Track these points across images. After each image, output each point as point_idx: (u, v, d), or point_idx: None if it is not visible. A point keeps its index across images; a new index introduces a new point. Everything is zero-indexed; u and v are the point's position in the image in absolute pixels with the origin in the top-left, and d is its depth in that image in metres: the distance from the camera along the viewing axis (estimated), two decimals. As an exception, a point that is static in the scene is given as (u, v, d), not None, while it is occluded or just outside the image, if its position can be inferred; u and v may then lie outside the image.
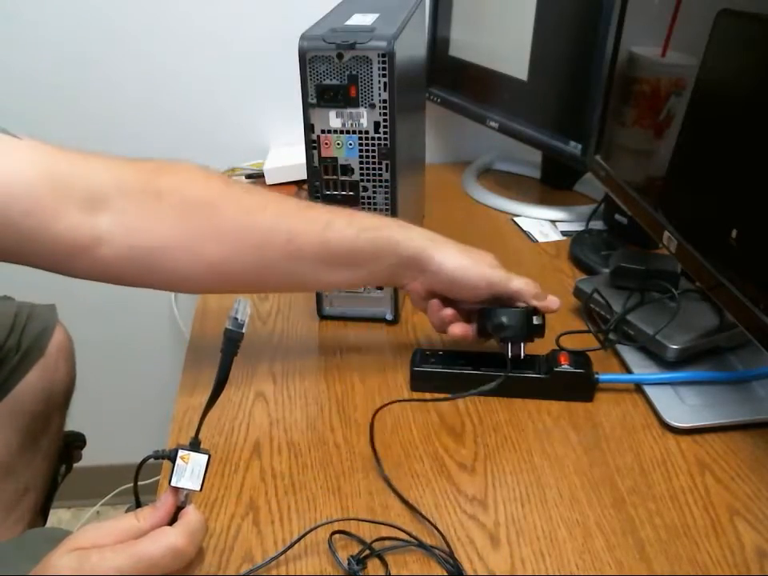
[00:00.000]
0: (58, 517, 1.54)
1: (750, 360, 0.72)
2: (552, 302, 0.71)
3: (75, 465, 1.06)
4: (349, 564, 0.53)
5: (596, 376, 0.70)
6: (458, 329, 0.71)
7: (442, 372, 0.71)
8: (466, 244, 0.72)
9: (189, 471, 0.47)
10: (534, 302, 0.70)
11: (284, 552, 0.54)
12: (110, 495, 1.51)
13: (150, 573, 0.43)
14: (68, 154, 0.62)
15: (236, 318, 0.48)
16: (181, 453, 0.48)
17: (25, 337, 0.89)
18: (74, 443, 1.05)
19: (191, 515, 0.47)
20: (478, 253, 0.71)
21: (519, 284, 0.70)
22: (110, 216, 0.61)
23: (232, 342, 0.48)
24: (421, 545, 0.55)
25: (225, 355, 0.48)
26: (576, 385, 0.70)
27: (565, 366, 0.69)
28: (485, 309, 0.70)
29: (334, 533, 0.55)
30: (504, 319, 0.68)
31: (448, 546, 0.55)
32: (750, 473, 0.62)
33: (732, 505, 0.59)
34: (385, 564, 0.54)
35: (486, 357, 0.72)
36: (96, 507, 1.55)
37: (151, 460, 0.51)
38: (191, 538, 0.45)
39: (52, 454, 0.98)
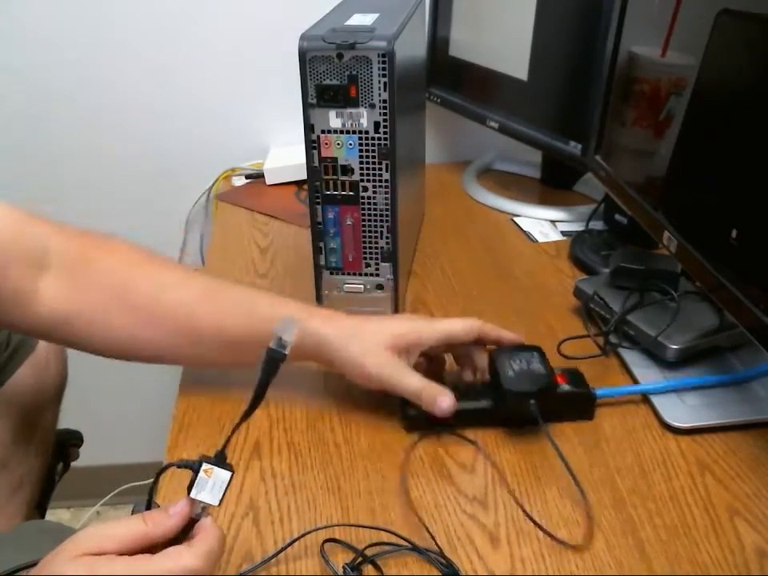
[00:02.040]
0: (57, 516, 1.54)
1: (749, 360, 0.72)
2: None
3: (75, 464, 1.06)
4: (344, 571, 0.53)
5: (594, 392, 0.67)
6: (447, 402, 0.63)
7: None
8: (466, 244, 0.71)
9: (210, 485, 0.47)
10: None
11: (274, 556, 0.54)
12: (110, 495, 1.51)
13: None
14: (22, 215, 0.65)
15: (280, 338, 0.47)
16: (205, 466, 0.47)
17: (14, 334, 0.90)
18: (70, 441, 1.05)
19: (209, 532, 0.46)
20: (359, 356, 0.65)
21: (414, 388, 0.64)
22: (51, 277, 0.64)
23: (273, 361, 0.47)
24: (414, 548, 0.54)
25: (263, 374, 0.47)
26: (576, 404, 0.67)
27: (563, 387, 0.66)
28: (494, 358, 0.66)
29: (325, 541, 0.55)
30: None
31: (439, 547, 0.55)
32: (750, 473, 0.62)
33: (732, 505, 0.59)
34: (379, 569, 0.53)
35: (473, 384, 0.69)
36: (96, 507, 1.55)
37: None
38: (207, 560, 0.45)
39: (46, 450, 0.98)
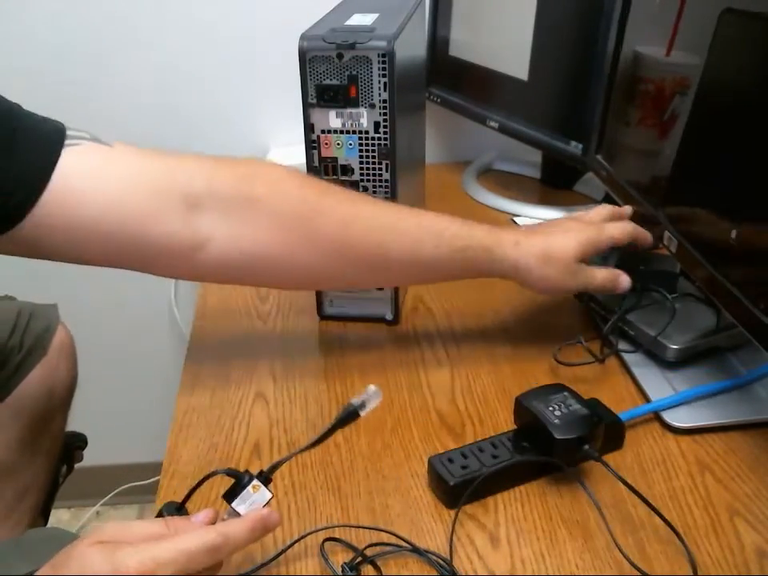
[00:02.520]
0: (57, 517, 1.53)
1: (749, 360, 0.72)
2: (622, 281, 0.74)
3: (76, 465, 1.06)
4: (343, 570, 0.53)
5: (621, 418, 0.65)
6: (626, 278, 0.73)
7: (483, 475, 0.59)
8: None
9: (250, 500, 0.48)
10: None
11: (275, 558, 0.54)
12: (110, 495, 1.51)
13: (186, 567, 0.43)
14: (161, 157, 0.63)
15: (364, 403, 0.53)
16: (255, 482, 0.49)
17: (27, 336, 0.90)
18: (75, 444, 1.05)
19: (233, 522, 0.47)
20: (560, 251, 0.71)
21: (600, 280, 0.72)
22: (208, 219, 0.62)
23: (348, 416, 0.53)
24: (414, 549, 0.54)
25: (337, 422, 0.52)
26: (608, 435, 0.63)
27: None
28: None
29: (325, 540, 0.55)
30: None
31: (439, 548, 0.55)
32: (750, 473, 0.62)
33: (732, 505, 0.59)
34: (378, 569, 0.53)
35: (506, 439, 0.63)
36: (96, 507, 1.55)
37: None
38: (226, 539, 0.45)
39: (53, 454, 0.98)
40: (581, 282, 0.72)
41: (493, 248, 0.69)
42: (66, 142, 0.58)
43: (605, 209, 0.78)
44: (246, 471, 0.49)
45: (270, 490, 0.49)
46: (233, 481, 0.50)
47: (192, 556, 0.43)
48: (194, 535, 0.44)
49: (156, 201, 0.60)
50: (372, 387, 0.53)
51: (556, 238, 0.71)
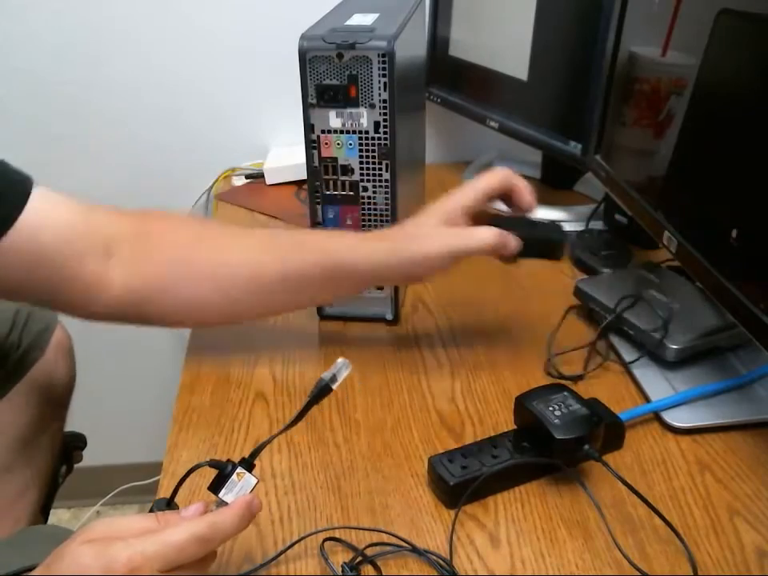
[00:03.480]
0: (57, 517, 1.54)
1: (749, 359, 0.72)
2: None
3: (76, 465, 1.06)
4: (343, 570, 0.53)
5: (621, 418, 0.65)
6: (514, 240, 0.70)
7: (483, 475, 0.59)
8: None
9: (237, 488, 0.48)
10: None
11: (274, 559, 0.54)
12: (110, 495, 1.51)
13: (176, 559, 0.43)
14: (84, 206, 0.68)
15: (335, 375, 0.52)
16: (239, 470, 0.49)
17: (25, 335, 0.90)
18: (75, 444, 1.05)
19: (220, 512, 0.47)
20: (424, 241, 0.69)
21: (481, 239, 0.69)
22: (117, 261, 0.67)
23: (322, 392, 0.51)
24: (414, 549, 0.54)
25: (311, 399, 0.51)
26: (608, 435, 0.62)
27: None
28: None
29: (325, 540, 0.55)
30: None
31: (438, 548, 0.55)
32: (750, 473, 0.62)
33: (732, 505, 0.59)
34: (378, 569, 0.53)
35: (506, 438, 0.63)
36: (96, 507, 1.55)
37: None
38: (214, 528, 0.45)
39: (52, 453, 0.98)
40: (459, 243, 0.69)
41: (364, 248, 0.69)
42: (34, 187, 0.64)
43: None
44: (229, 460, 0.49)
45: (254, 476, 0.49)
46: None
47: (181, 548, 0.43)
48: (181, 527, 0.44)
49: (80, 243, 0.65)
50: (340, 359, 0.52)
51: (425, 215, 0.71)
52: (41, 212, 0.63)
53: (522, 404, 0.62)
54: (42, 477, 0.95)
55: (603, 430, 0.61)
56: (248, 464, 0.49)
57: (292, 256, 0.69)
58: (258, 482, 0.49)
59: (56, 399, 0.95)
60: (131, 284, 0.67)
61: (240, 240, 0.71)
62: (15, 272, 0.63)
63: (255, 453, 0.50)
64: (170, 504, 0.50)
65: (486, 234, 0.69)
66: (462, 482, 0.58)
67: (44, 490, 0.96)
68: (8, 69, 1.19)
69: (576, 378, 0.72)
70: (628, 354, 0.75)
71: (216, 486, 0.48)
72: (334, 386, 0.51)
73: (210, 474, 0.49)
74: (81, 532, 0.45)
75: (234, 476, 0.48)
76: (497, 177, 0.72)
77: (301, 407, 0.51)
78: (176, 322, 0.72)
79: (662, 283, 0.79)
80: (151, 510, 0.49)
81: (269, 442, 0.50)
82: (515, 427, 0.64)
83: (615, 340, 0.77)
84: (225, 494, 0.48)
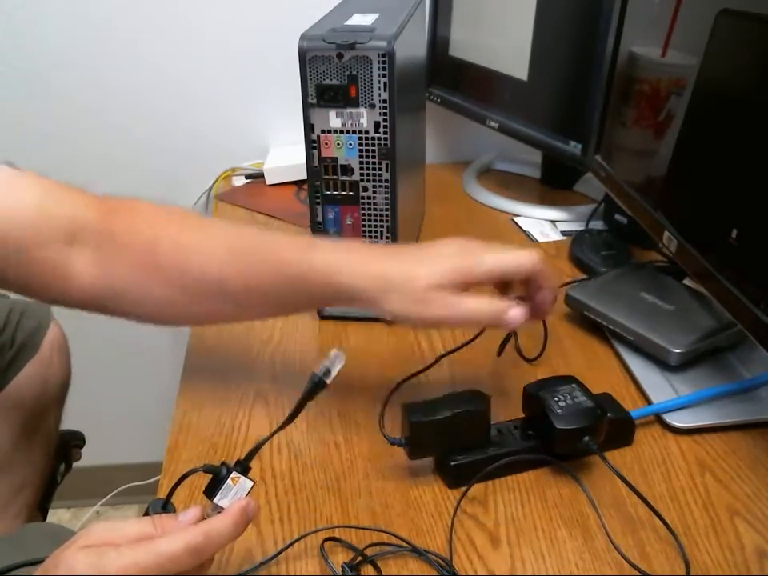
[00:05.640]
0: (57, 517, 1.54)
1: (747, 358, 0.72)
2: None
3: (75, 464, 1.06)
4: (343, 570, 0.53)
5: (631, 416, 0.65)
6: (518, 311, 0.59)
7: (482, 459, 0.60)
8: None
9: (232, 492, 0.48)
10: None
11: (273, 558, 0.54)
12: (110, 495, 1.51)
13: (171, 570, 0.43)
14: (53, 187, 0.65)
15: (329, 370, 0.51)
16: (234, 474, 0.48)
17: (19, 333, 0.90)
18: (73, 442, 1.05)
19: (215, 520, 0.46)
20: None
21: (472, 312, 0.60)
22: (81, 251, 0.64)
23: (315, 387, 0.50)
24: (414, 549, 0.54)
25: (305, 395, 0.50)
26: (617, 431, 0.63)
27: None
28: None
29: (325, 540, 0.55)
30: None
31: (438, 548, 0.55)
32: (750, 473, 0.62)
33: (732, 505, 0.59)
34: (378, 569, 0.53)
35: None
36: (96, 507, 1.55)
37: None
38: (209, 538, 0.45)
39: (49, 451, 0.98)
40: (440, 312, 0.60)
41: (330, 275, 0.62)
42: None
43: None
44: (223, 463, 0.49)
45: (250, 479, 0.49)
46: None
47: (176, 559, 0.43)
48: (176, 537, 0.44)
49: (42, 228, 0.63)
50: (333, 351, 0.51)
51: (411, 264, 0.61)
52: None
53: (529, 393, 0.63)
54: (38, 475, 0.95)
55: (607, 425, 0.61)
56: (243, 467, 0.49)
57: (257, 269, 0.64)
58: (253, 484, 0.49)
59: (51, 397, 0.95)
60: (96, 282, 0.65)
61: (206, 243, 0.66)
62: None
63: (250, 455, 0.49)
64: (165, 506, 0.50)
65: (479, 308, 0.60)
66: (464, 463, 0.60)
67: (41, 488, 0.96)
68: (8, 69, 1.19)
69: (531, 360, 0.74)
70: (627, 354, 0.75)
71: (211, 491, 0.48)
72: (329, 380, 0.50)
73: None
74: (80, 536, 0.45)
75: (229, 480, 0.48)
76: (527, 267, 0.61)
77: (295, 406, 0.50)
78: (147, 320, 0.68)
79: (653, 285, 0.79)
80: (146, 513, 0.49)
81: (263, 443, 0.50)
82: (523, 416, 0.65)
83: (614, 342, 0.77)
84: (220, 499, 0.48)
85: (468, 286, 0.60)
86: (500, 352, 0.76)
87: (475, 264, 0.61)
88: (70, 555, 0.43)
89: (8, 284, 0.66)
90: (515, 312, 0.59)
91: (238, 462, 0.49)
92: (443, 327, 0.66)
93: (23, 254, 0.62)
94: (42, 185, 0.64)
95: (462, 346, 0.71)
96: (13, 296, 0.95)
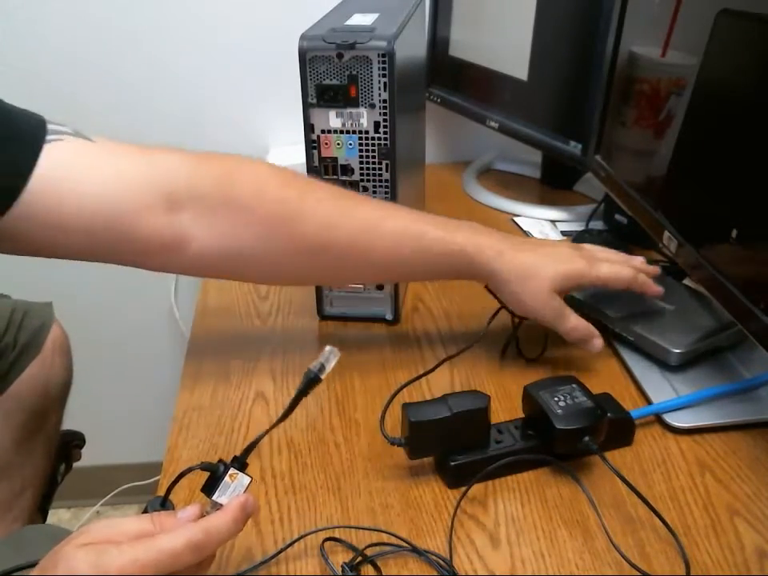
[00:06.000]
0: (57, 517, 1.54)
1: (747, 358, 0.72)
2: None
3: (75, 464, 1.06)
4: (343, 570, 0.53)
5: (631, 416, 0.65)
6: (600, 342, 0.72)
7: (482, 459, 0.61)
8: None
9: (230, 489, 0.48)
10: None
11: (273, 557, 0.54)
12: (110, 495, 1.51)
13: (171, 566, 0.43)
14: (143, 154, 0.63)
15: (323, 365, 0.51)
16: (232, 471, 0.48)
17: (21, 334, 0.90)
18: (73, 442, 1.05)
19: (214, 517, 0.46)
20: (542, 277, 0.69)
21: (572, 329, 0.71)
22: (189, 219, 0.62)
23: (310, 383, 0.51)
24: (414, 549, 0.54)
25: (299, 392, 0.51)
26: (617, 431, 0.63)
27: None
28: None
29: (325, 540, 0.55)
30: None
31: (438, 548, 0.55)
32: (750, 473, 0.62)
33: (732, 505, 0.59)
34: (378, 569, 0.53)
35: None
36: (96, 507, 1.55)
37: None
38: (208, 534, 0.45)
39: (50, 452, 0.97)
40: (551, 317, 0.70)
41: (473, 255, 0.68)
42: (48, 137, 0.58)
43: (616, 254, 0.75)
44: (220, 461, 0.49)
45: (247, 475, 0.48)
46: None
47: (176, 555, 0.43)
48: (175, 534, 0.44)
49: (139, 199, 0.60)
50: (328, 347, 0.51)
51: (543, 260, 0.70)
52: (57, 174, 0.57)
53: (529, 393, 0.63)
54: (39, 476, 0.95)
55: (607, 425, 0.61)
56: (240, 463, 0.49)
57: (402, 245, 0.67)
58: (251, 480, 0.48)
59: (53, 398, 0.95)
60: (214, 247, 0.63)
61: (352, 219, 0.67)
62: (54, 240, 0.59)
63: (247, 451, 0.49)
64: (164, 504, 0.50)
65: (578, 326, 0.71)
66: (464, 463, 0.60)
67: (41, 489, 0.96)
68: (8, 69, 1.19)
69: (532, 360, 0.75)
70: (627, 354, 0.75)
71: (209, 489, 0.48)
72: (323, 375, 0.51)
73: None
74: (78, 534, 0.45)
75: (227, 477, 0.48)
76: (626, 282, 0.72)
77: (290, 403, 0.50)
78: (261, 281, 0.75)
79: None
80: (145, 511, 0.49)
81: (261, 438, 0.49)
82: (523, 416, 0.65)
83: (614, 342, 0.77)
84: (218, 497, 0.47)
85: (573, 289, 0.72)
86: (503, 353, 0.76)
87: (592, 271, 0.70)
88: (70, 553, 0.43)
89: (117, 260, 0.64)
90: (599, 342, 0.71)
91: (235, 458, 0.49)
92: (538, 322, 0.71)
93: (123, 232, 0.60)
94: (123, 153, 0.61)
95: (463, 350, 0.71)
96: (15, 297, 0.96)
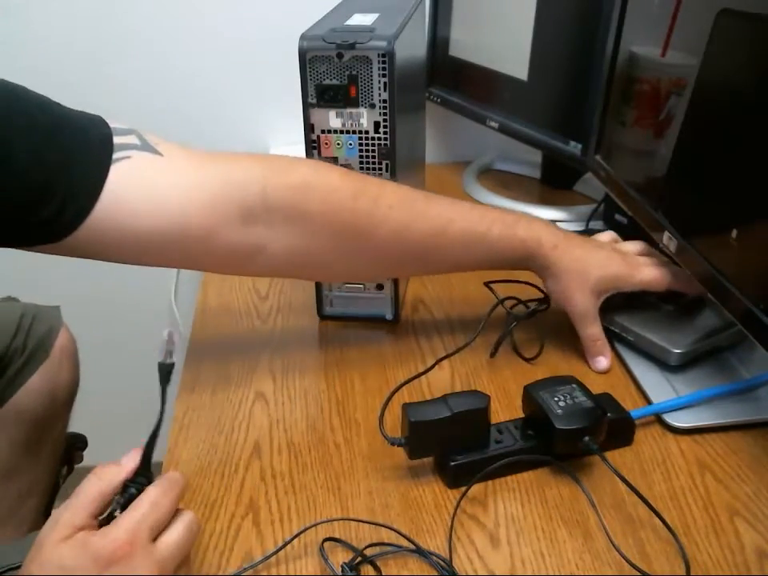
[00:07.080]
0: (58, 517, 1.53)
1: (747, 358, 0.72)
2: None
3: (76, 466, 1.06)
4: (342, 570, 0.53)
5: (631, 416, 0.65)
6: (605, 364, 0.74)
7: (482, 459, 0.61)
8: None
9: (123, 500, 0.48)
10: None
11: (273, 554, 0.54)
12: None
13: (156, 517, 0.45)
14: (214, 164, 0.62)
15: (171, 351, 0.52)
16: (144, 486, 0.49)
17: (30, 338, 0.90)
18: (76, 445, 1.05)
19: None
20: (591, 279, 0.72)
21: (590, 336, 0.73)
22: (263, 230, 0.63)
23: (168, 375, 0.52)
24: (415, 549, 0.54)
25: (163, 389, 0.52)
26: (617, 431, 0.63)
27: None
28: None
29: (325, 540, 0.55)
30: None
31: (439, 549, 0.55)
32: (750, 473, 0.62)
33: (732, 505, 0.59)
34: (378, 570, 0.53)
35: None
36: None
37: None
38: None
39: (55, 457, 0.98)
40: (580, 314, 0.73)
41: (533, 249, 0.71)
42: (115, 155, 0.57)
43: (652, 252, 0.77)
44: (126, 484, 0.48)
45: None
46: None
47: (155, 502, 0.45)
48: (147, 491, 0.46)
49: (214, 216, 0.60)
50: (167, 331, 0.51)
51: (594, 259, 0.72)
52: (128, 193, 0.56)
53: (529, 393, 0.63)
54: (44, 480, 0.95)
55: (607, 425, 0.61)
56: (148, 478, 0.49)
57: (467, 243, 0.70)
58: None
59: (60, 401, 0.95)
60: (289, 255, 0.64)
61: (422, 223, 0.69)
62: (126, 254, 0.60)
63: (148, 460, 0.50)
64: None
65: (595, 336, 0.73)
66: (464, 463, 0.60)
67: (47, 492, 0.96)
68: (8, 69, 1.19)
69: (529, 360, 0.75)
70: (627, 354, 0.75)
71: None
72: (175, 359, 0.51)
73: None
74: (48, 533, 0.44)
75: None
76: (662, 281, 0.73)
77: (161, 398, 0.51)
78: (329, 281, 0.78)
79: None
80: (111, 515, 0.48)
81: (153, 442, 0.51)
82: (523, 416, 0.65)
83: (614, 342, 0.77)
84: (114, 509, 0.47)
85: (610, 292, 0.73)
86: (493, 353, 0.76)
87: (635, 276, 0.72)
88: (53, 553, 0.43)
89: (191, 268, 0.66)
90: (604, 364, 0.73)
91: (137, 473, 0.49)
92: (569, 316, 0.74)
93: (197, 247, 0.60)
94: (194, 165, 0.61)
95: (462, 347, 0.71)
96: (23, 300, 0.96)
